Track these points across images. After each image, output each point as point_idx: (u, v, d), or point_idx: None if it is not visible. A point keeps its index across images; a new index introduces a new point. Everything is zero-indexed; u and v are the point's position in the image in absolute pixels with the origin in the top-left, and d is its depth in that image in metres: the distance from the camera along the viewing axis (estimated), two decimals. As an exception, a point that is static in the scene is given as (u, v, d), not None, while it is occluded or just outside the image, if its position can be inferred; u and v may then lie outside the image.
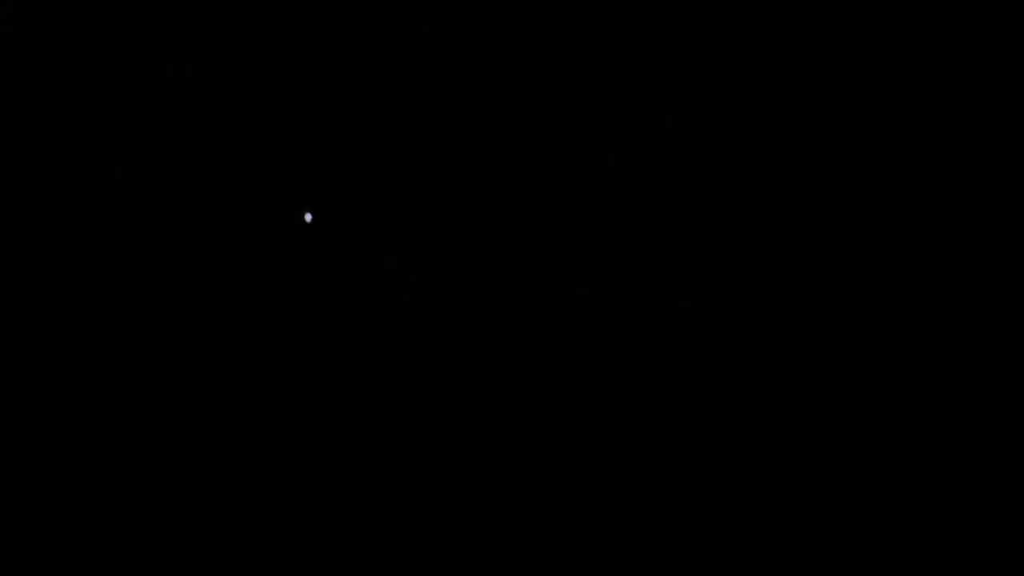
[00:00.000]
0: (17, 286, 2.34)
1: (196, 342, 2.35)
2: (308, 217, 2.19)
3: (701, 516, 2.23)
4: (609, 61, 2.42)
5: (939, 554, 2.18)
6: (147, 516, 2.24)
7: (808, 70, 2.38)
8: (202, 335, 2.36)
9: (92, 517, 2.23)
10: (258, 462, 2.30)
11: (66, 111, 2.41)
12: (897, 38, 2.38)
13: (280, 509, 2.27)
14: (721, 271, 2.35)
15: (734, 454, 2.27)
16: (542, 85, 2.42)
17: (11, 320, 2.33)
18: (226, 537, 2.24)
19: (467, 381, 2.34)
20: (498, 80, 2.43)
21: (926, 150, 2.36)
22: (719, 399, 2.29)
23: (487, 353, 2.35)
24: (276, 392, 2.34)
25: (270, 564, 2.22)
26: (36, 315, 2.34)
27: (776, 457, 2.26)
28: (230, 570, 2.23)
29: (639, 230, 2.39)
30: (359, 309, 2.40)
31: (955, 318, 2.30)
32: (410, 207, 2.42)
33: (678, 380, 2.31)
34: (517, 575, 2.21)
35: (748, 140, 2.38)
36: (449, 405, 2.33)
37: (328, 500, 2.28)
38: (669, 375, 2.31)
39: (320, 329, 2.38)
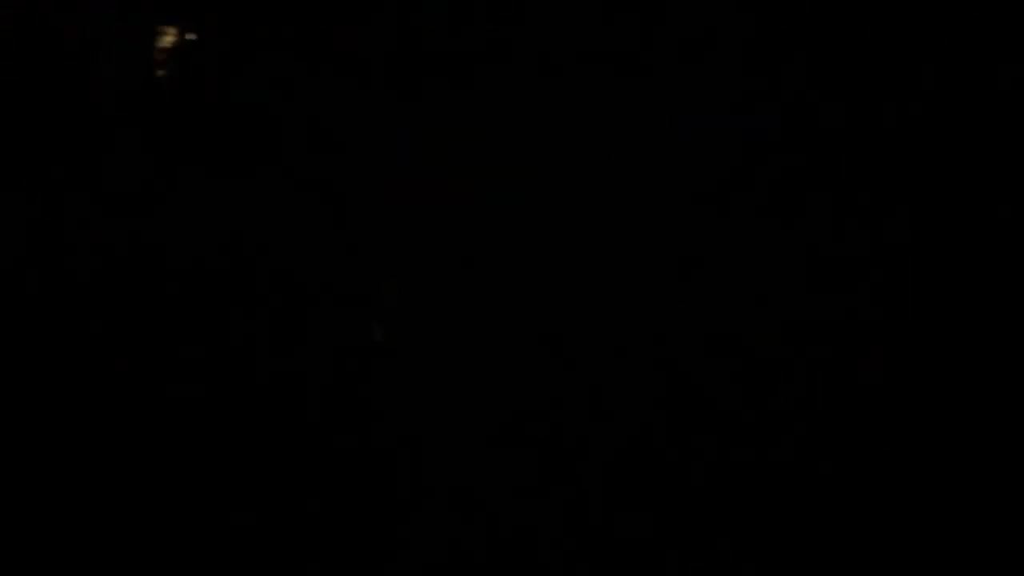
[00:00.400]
0: (17, 287, 2.34)
1: (197, 342, 2.35)
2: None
3: (697, 512, 2.23)
4: (609, 61, 2.42)
5: (938, 553, 2.18)
6: (147, 516, 2.24)
7: (808, 70, 2.38)
8: (202, 335, 2.35)
9: (92, 517, 2.23)
10: (258, 462, 2.30)
11: (69, 110, 2.41)
12: (897, 38, 2.38)
13: (279, 509, 2.27)
14: (721, 269, 2.35)
15: (733, 451, 2.27)
16: (542, 85, 2.42)
17: (11, 320, 2.33)
18: (226, 536, 2.24)
19: (465, 378, 2.34)
20: (498, 80, 2.43)
21: (925, 150, 2.35)
22: (718, 395, 2.29)
23: (485, 351, 2.35)
24: (276, 392, 2.34)
25: (269, 564, 2.22)
26: (36, 315, 2.34)
27: (774, 454, 2.26)
28: (230, 569, 2.23)
29: (639, 229, 2.38)
30: (360, 308, 2.40)
31: (954, 316, 2.30)
32: (410, 207, 2.42)
33: (677, 379, 2.31)
34: (516, 565, 2.22)
35: (748, 140, 2.38)
36: (448, 400, 2.34)
37: (326, 500, 2.28)
38: (668, 374, 2.31)
39: (321, 328, 2.38)
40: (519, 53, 2.42)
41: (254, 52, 2.45)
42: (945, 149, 2.35)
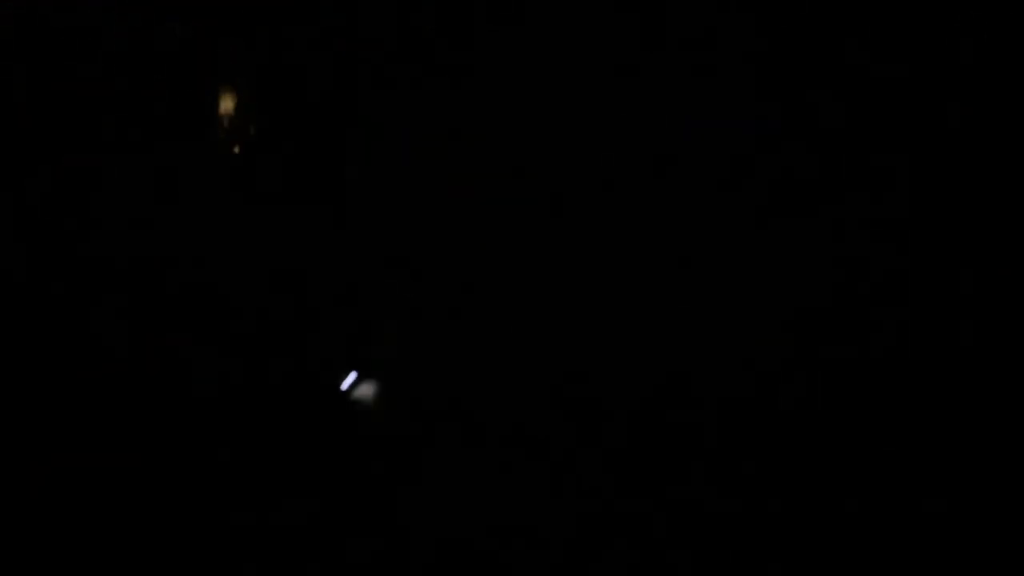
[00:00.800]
0: (17, 286, 2.34)
1: (196, 342, 2.35)
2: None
3: (697, 512, 2.23)
4: (609, 61, 2.42)
5: (939, 553, 2.18)
6: (147, 516, 2.24)
7: (808, 70, 2.38)
8: (201, 335, 2.36)
9: (92, 517, 2.23)
10: (257, 463, 2.30)
11: (69, 110, 2.41)
12: (898, 38, 2.37)
13: (279, 509, 2.27)
14: (721, 269, 2.35)
15: (732, 451, 2.27)
16: (542, 84, 2.42)
17: (11, 320, 2.33)
18: (226, 537, 2.24)
19: (463, 375, 2.35)
20: (497, 79, 2.43)
21: (926, 150, 2.35)
22: (717, 400, 2.29)
23: (482, 351, 2.35)
24: (275, 392, 2.34)
25: (268, 564, 2.23)
26: (36, 315, 2.34)
27: (769, 453, 2.26)
28: (230, 570, 2.23)
29: (639, 229, 2.38)
30: (358, 309, 2.40)
31: (953, 315, 2.30)
32: (411, 207, 2.42)
33: (675, 381, 2.31)
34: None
35: (748, 140, 2.38)
36: (447, 399, 2.34)
37: (326, 501, 2.29)
38: (665, 375, 2.31)
39: (319, 328, 2.39)
40: (519, 53, 2.42)
41: (253, 50, 2.45)
42: (946, 149, 2.34)
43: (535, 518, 2.25)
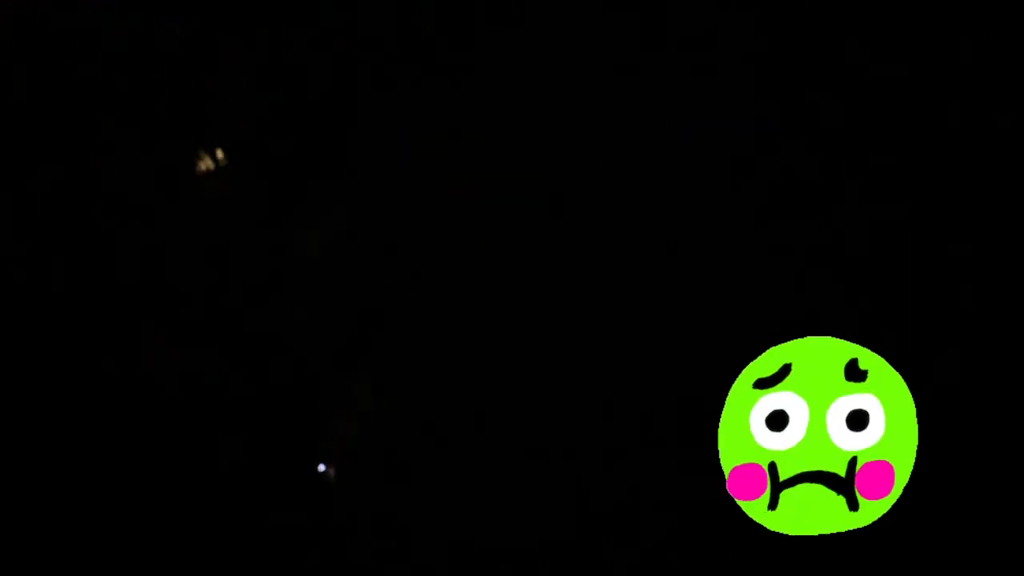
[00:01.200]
0: (16, 285, 2.35)
1: (196, 342, 2.36)
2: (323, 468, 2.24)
3: (696, 515, 2.23)
4: (609, 61, 2.42)
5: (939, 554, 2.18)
6: (147, 516, 2.25)
7: (808, 70, 2.38)
8: (201, 335, 2.36)
9: (92, 517, 2.24)
10: (257, 463, 2.30)
11: (66, 111, 2.41)
12: (898, 38, 2.38)
13: (274, 512, 2.27)
14: (721, 269, 2.35)
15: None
16: (542, 84, 2.42)
17: (10, 319, 2.33)
18: (224, 537, 2.25)
19: (461, 380, 2.35)
20: (497, 79, 2.43)
21: (926, 150, 2.35)
22: (717, 401, 2.29)
23: (482, 352, 2.36)
24: (274, 393, 2.34)
25: (263, 565, 2.23)
26: (36, 315, 2.35)
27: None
28: (229, 569, 2.23)
29: (639, 229, 2.39)
30: (358, 310, 2.40)
31: (953, 315, 2.30)
32: (411, 207, 2.42)
33: (674, 381, 2.31)
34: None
35: (748, 140, 2.38)
36: (440, 403, 2.34)
37: (327, 499, 2.29)
38: (665, 377, 2.32)
39: (317, 329, 2.39)
40: (519, 53, 2.43)
41: (253, 50, 2.45)
42: (946, 149, 2.34)
43: (535, 518, 2.25)
